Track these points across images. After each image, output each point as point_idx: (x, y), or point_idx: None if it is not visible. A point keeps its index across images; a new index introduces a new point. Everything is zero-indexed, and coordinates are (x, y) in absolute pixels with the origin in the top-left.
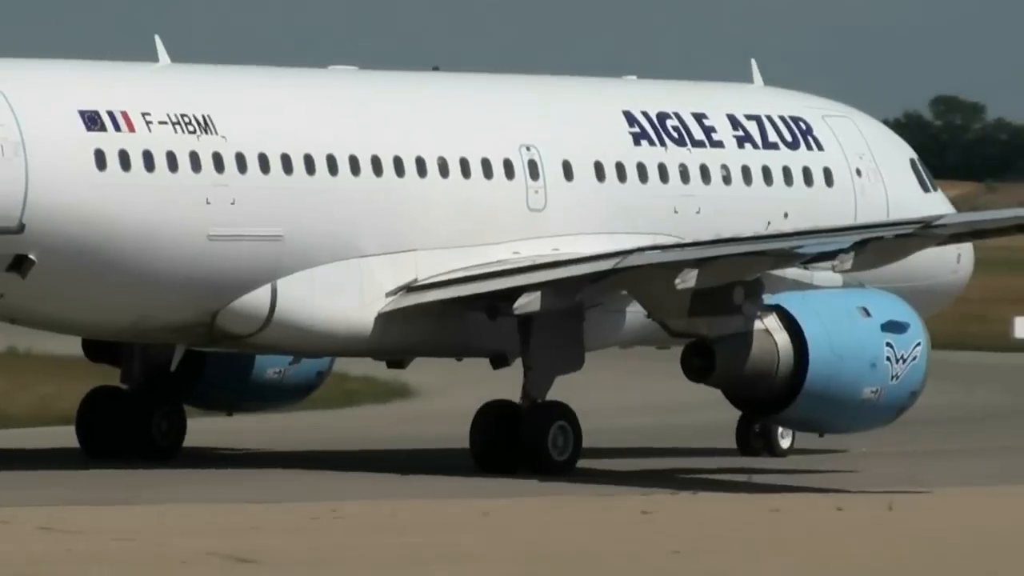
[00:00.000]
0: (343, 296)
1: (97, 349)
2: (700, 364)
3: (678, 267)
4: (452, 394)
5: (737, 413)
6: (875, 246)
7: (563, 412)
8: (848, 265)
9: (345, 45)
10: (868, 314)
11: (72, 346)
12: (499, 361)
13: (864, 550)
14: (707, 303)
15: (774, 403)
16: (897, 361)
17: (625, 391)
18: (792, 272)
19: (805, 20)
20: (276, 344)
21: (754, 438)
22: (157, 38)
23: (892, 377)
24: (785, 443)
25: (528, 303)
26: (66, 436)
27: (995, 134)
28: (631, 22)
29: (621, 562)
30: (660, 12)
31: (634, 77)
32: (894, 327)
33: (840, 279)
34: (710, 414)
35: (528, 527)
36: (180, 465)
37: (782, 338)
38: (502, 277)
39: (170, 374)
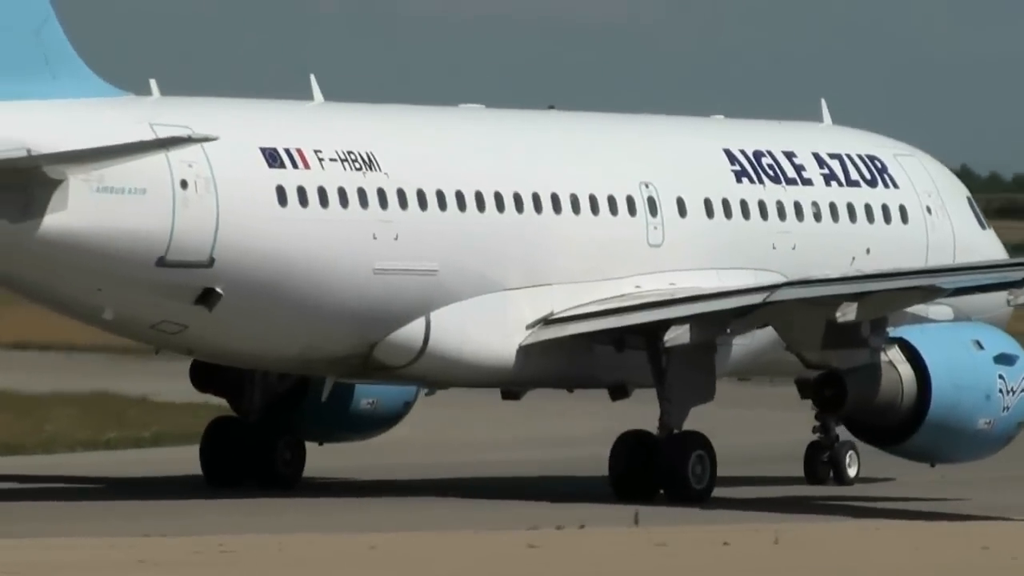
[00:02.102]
0: (489, 329)
1: (206, 379)
2: (832, 394)
3: (823, 302)
4: None
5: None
6: None
7: (701, 442)
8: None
9: (461, 83)
10: (981, 347)
11: None
12: (619, 392)
13: None
14: (838, 336)
15: (896, 433)
16: (1008, 393)
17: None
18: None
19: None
20: (425, 376)
21: (821, 466)
22: (312, 77)
23: (1003, 409)
24: (852, 472)
25: (678, 335)
26: None
27: None
28: (694, 64)
29: None
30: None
31: (722, 116)
32: (1005, 359)
33: (951, 313)
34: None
35: (414, 561)
36: (76, 498)
37: (906, 370)
38: (647, 310)
39: (285, 404)
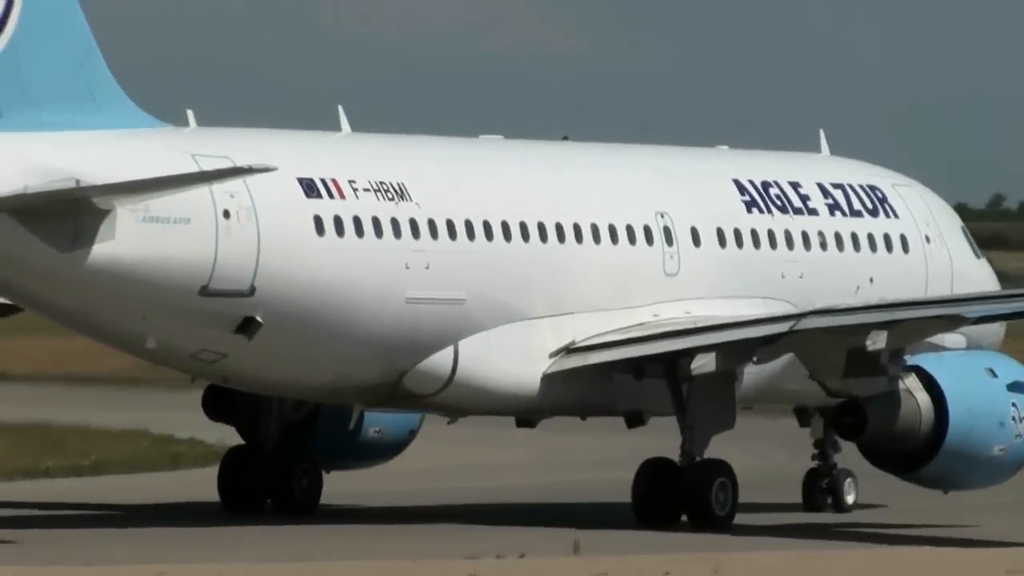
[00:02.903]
0: (514, 357)
1: (222, 408)
2: (852, 422)
3: (847, 331)
4: None
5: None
6: None
7: (723, 469)
8: None
9: (476, 114)
10: (995, 375)
11: None
12: (635, 420)
13: None
14: (858, 364)
15: (913, 460)
16: (1020, 420)
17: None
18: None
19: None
20: (451, 404)
21: (820, 493)
22: (340, 108)
23: (1016, 435)
24: (850, 499)
25: (704, 364)
26: None
27: None
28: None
29: None
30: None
31: (726, 147)
32: (1018, 387)
33: (964, 341)
34: None
35: None
36: (15, 527)
37: (923, 398)
38: (674, 338)
39: (298, 432)
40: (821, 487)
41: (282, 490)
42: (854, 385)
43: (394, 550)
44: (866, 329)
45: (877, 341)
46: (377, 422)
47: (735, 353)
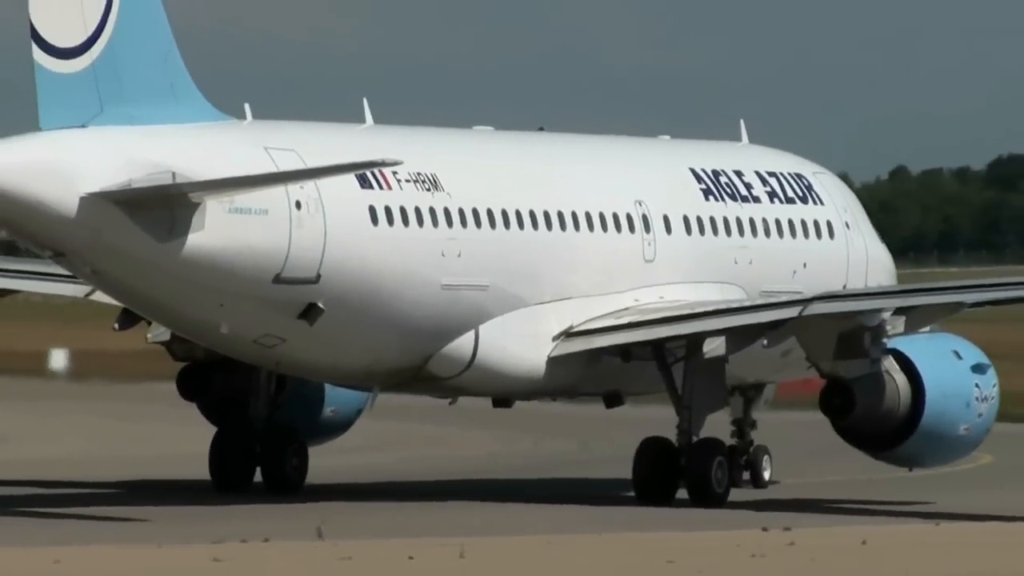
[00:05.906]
0: (526, 341)
1: (195, 389)
2: (840, 403)
3: (842, 316)
4: (35, 441)
5: None
6: None
7: (721, 448)
8: None
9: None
10: (960, 357)
11: None
12: (614, 400)
13: None
14: (846, 347)
15: (889, 439)
16: (982, 401)
17: None
18: None
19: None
20: (468, 386)
21: (738, 470)
22: (365, 101)
23: (978, 415)
24: (767, 474)
25: (715, 347)
26: None
27: None
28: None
29: None
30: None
31: (667, 137)
32: (979, 369)
33: (928, 326)
34: None
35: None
36: None
37: (901, 379)
38: (683, 322)
39: (276, 411)
40: (740, 463)
41: (274, 469)
42: (842, 367)
43: (139, 534)
44: (868, 315)
45: (896, 326)
46: (332, 402)
47: (744, 337)
